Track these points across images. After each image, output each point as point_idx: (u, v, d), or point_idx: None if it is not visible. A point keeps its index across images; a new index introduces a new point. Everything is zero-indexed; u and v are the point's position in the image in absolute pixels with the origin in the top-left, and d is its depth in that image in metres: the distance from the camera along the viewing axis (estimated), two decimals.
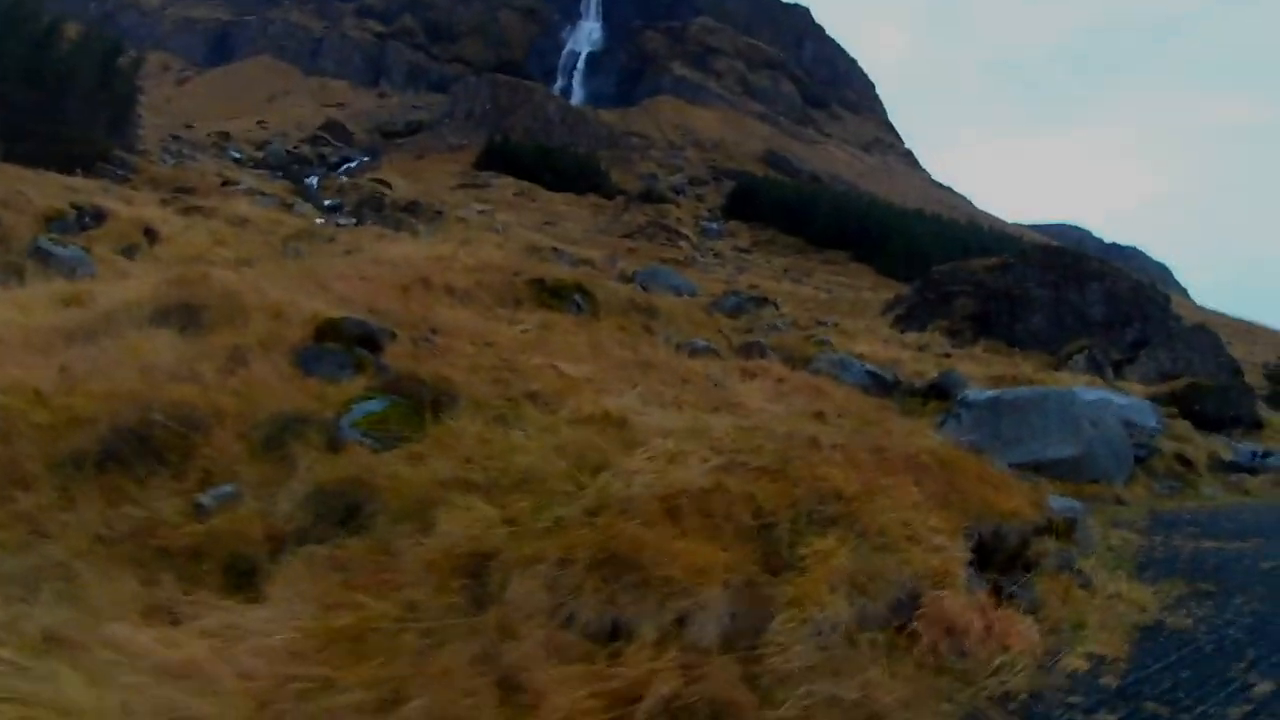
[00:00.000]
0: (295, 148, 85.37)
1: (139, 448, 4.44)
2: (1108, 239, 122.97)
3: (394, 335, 5.44)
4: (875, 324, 32.30)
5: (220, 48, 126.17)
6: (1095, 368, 26.25)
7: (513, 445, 3.84)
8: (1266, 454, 15.88)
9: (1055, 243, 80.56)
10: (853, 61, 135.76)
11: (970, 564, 3.75)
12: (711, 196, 79.86)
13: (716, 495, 3.15)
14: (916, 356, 13.54)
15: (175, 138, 75.09)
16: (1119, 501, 7.90)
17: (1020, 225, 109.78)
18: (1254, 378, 38.63)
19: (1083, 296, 27.62)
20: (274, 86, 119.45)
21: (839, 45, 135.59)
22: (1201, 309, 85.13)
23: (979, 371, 12.11)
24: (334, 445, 4.09)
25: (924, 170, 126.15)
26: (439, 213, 48.17)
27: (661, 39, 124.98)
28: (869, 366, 10.50)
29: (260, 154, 74.70)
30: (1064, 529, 4.91)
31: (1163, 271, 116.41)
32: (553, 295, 8.46)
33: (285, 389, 4.83)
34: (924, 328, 29.37)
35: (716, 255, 58.71)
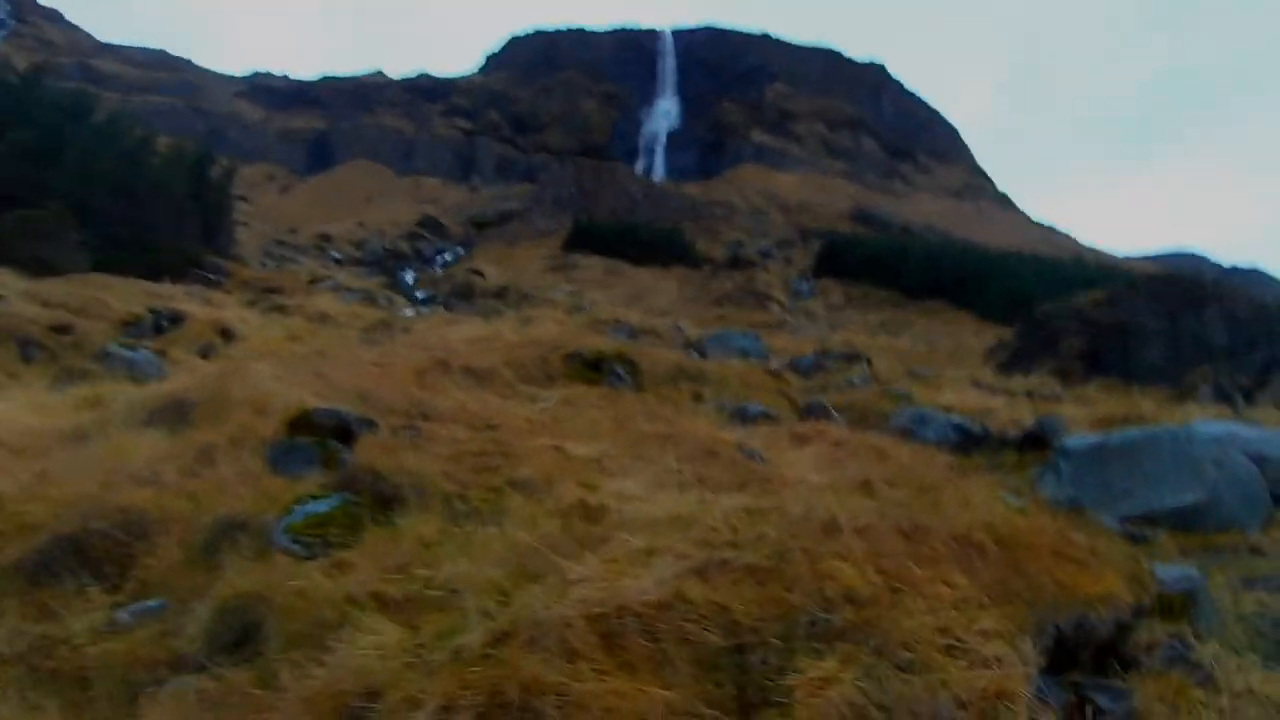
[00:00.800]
0: (392, 244, 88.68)
1: (75, 558, 4.06)
2: (1227, 263, 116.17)
3: (373, 424, 4.89)
4: (978, 371, 30.67)
5: (319, 155, 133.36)
6: (1222, 397, 24.09)
7: (455, 549, 3.17)
8: None
9: (1168, 271, 76.59)
10: (933, 111, 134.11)
11: (1044, 671, 2.84)
12: (800, 258, 78.96)
13: (675, 609, 2.37)
14: (1011, 403, 12.27)
15: (280, 242, 78.95)
16: (1255, 551, 6.63)
17: (1130, 258, 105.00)
18: None
19: (1200, 322, 25.53)
20: (371, 188, 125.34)
21: (917, 96, 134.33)
22: None
23: (1084, 414, 10.81)
24: (262, 553, 3.51)
25: (1021, 211, 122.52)
26: (527, 296, 48.68)
27: (738, 109, 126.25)
28: (955, 419, 9.43)
29: (359, 253, 77.65)
30: (1179, 605, 3.89)
31: None
32: (591, 368, 7.85)
33: (241, 489, 4.30)
34: (1029, 371, 27.67)
35: (809, 315, 57.55)
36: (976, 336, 46.79)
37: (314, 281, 30.75)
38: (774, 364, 17.36)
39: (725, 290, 63.64)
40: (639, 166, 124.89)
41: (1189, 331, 25.60)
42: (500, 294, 48.45)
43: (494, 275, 65.84)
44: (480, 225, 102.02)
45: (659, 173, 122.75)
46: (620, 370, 7.97)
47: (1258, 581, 5.77)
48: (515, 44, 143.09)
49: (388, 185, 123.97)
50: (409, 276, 64.32)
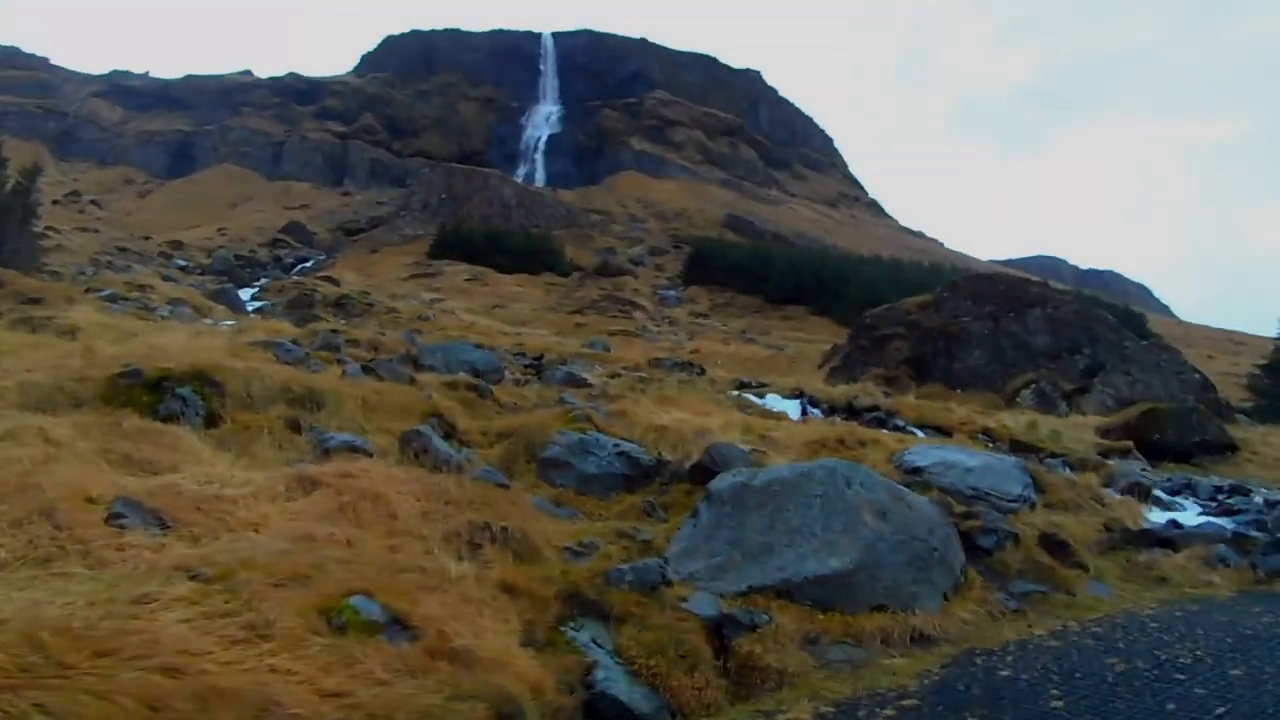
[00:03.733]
0: (252, 252, 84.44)
1: None
2: (1084, 266, 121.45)
3: None
4: (808, 379, 29.97)
5: (182, 159, 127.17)
6: (1044, 402, 23.90)
7: None
8: (1234, 496, 12.93)
9: (1030, 276, 78.91)
10: (809, 119, 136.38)
11: None
12: (671, 265, 78.43)
13: None
14: (763, 421, 10.99)
15: (121, 249, 74.06)
16: (916, 640, 5.31)
17: (994, 262, 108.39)
18: (1235, 391, 36.17)
19: (1024, 326, 25.37)
20: (237, 193, 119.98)
21: (794, 105, 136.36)
22: (1185, 324, 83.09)
23: (806, 434, 9.60)
24: None
25: (892, 218, 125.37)
26: (370, 305, 46.16)
27: (618, 116, 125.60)
28: (626, 447, 8.05)
29: (209, 260, 73.48)
30: None
31: (1141, 291, 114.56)
32: (151, 392, 6.22)
33: None
34: (857, 378, 27.06)
35: (672, 323, 56.68)
36: (831, 341, 46.64)
37: (89, 290, 27.95)
38: (509, 376, 15.78)
39: (592, 298, 62.31)
40: (519, 172, 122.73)
41: (1012, 335, 25.41)
42: (340, 303, 45.77)
43: (352, 283, 62.83)
44: (350, 232, 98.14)
45: (539, 179, 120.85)
46: (185, 396, 6.34)
47: (884, 702, 4.40)
48: (391, 45, 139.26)
49: (254, 190, 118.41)
50: (258, 285, 60.70)
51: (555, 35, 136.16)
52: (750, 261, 65.10)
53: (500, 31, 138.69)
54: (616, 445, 8.03)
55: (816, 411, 22.41)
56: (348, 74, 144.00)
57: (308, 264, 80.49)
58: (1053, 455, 16.32)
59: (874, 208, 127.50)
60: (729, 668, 4.94)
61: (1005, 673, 4.64)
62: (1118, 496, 10.16)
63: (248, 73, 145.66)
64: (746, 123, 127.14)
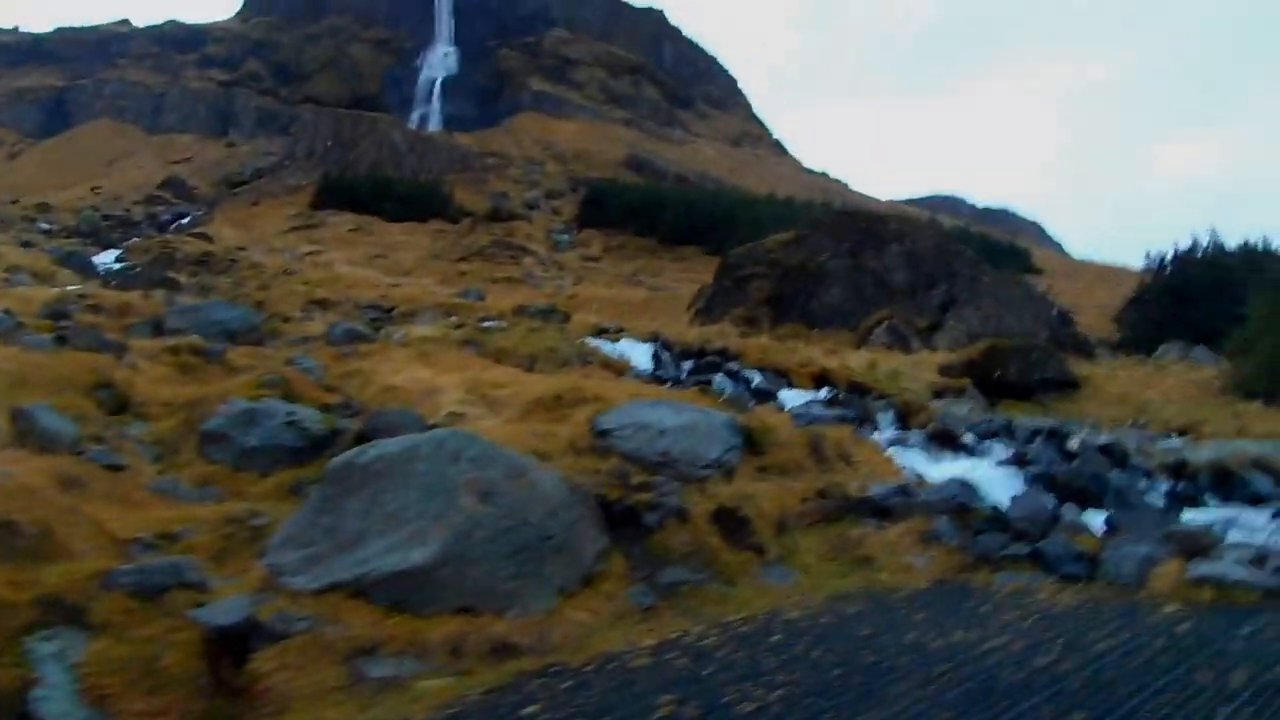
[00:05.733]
0: (126, 210, 79.84)
1: None
2: (981, 204, 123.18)
3: None
4: (676, 321, 29.12)
5: (56, 116, 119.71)
6: (898, 339, 23.44)
7: None
8: (1051, 439, 12.08)
9: (928, 215, 79.16)
10: (713, 59, 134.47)
11: None
12: (568, 209, 76.60)
13: None
14: (495, 378, 9.88)
15: None
16: (496, 650, 4.27)
17: (894, 201, 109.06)
18: (1104, 324, 36.58)
19: (882, 261, 24.79)
20: (115, 149, 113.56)
21: (697, 44, 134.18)
22: (1074, 260, 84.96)
23: (537, 390, 8.51)
24: None
25: (795, 159, 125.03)
26: (233, 261, 43.66)
27: (517, 56, 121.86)
28: (300, 416, 6.96)
29: (75, 221, 69.06)
30: None
31: (1034, 228, 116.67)
32: None
33: None
34: (720, 319, 26.28)
35: (561, 268, 55.30)
36: None
37: None
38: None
39: (481, 245, 60.41)
40: (414, 116, 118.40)
41: (871, 271, 24.83)
42: (200, 261, 43.19)
43: (228, 238, 59.67)
44: (234, 185, 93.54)
45: (435, 122, 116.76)
46: None
47: None
48: None
49: (134, 145, 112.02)
50: (123, 247, 57.12)
51: None
52: (644, 203, 63.84)
53: None
54: (290, 414, 6.89)
55: (667, 355, 21.64)
56: (231, 19, 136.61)
57: (184, 220, 76.36)
58: (882, 397, 15.71)
59: (778, 147, 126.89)
60: (225, 689, 3.97)
61: (532, 709, 3.67)
62: (886, 450, 9.35)
63: (125, 22, 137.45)
64: (651, 62, 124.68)
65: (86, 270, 42.10)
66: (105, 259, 48.46)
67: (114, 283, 34.83)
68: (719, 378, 15.50)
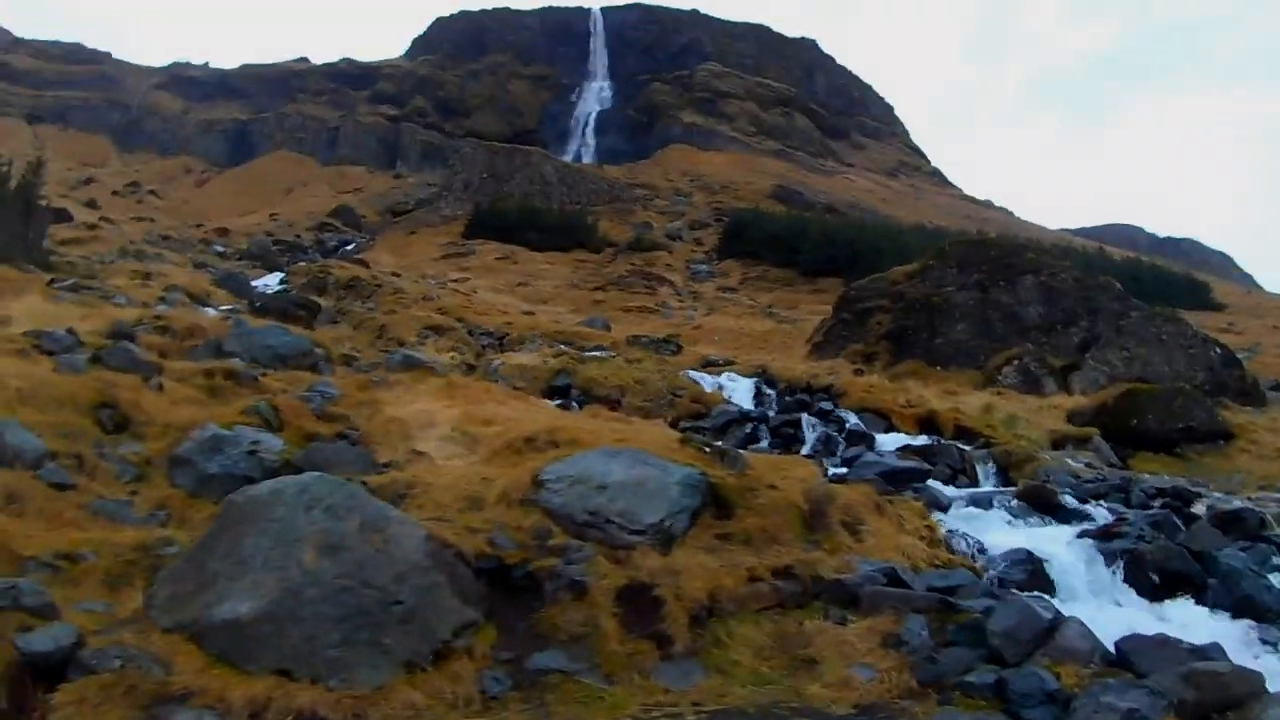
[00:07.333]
0: (297, 236, 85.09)
1: None
2: (1162, 234, 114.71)
3: None
4: (793, 355, 27.92)
5: (240, 147, 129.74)
6: (1029, 381, 21.56)
7: None
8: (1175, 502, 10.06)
9: (1102, 245, 74.08)
10: (867, 87, 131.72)
11: None
12: (711, 239, 76.24)
13: None
14: (490, 414, 9.15)
15: (165, 238, 75.16)
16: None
17: (1065, 230, 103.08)
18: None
19: (1015, 295, 22.95)
20: (292, 178, 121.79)
21: (851, 73, 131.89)
22: (1263, 294, 77.59)
23: (523, 428, 7.71)
24: None
25: (956, 188, 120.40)
26: (379, 286, 45.43)
27: (668, 90, 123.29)
28: (266, 442, 6.62)
29: (247, 246, 74.14)
30: None
31: (1223, 260, 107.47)
32: None
33: None
34: (837, 354, 25.00)
35: (696, 298, 54.83)
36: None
37: (53, 282, 27.69)
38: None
39: (618, 274, 60.81)
40: (570, 149, 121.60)
41: (1001, 305, 23.03)
42: (349, 285, 45.14)
43: (385, 264, 62.55)
44: (399, 214, 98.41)
45: (590, 155, 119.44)
46: None
47: None
48: (440, 26, 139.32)
49: (309, 175, 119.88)
50: (283, 270, 60.79)
51: (605, 10, 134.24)
52: (785, 232, 62.70)
53: (550, 9, 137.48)
54: (254, 443, 6.60)
55: (771, 392, 20.69)
56: (399, 58, 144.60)
57: (348, 246, 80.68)
58: (986, 445, 14.24)
59: (936, 176, 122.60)
60: (20, 717, 3.63)
61: None
62: (945, 513, 8.05)
63: (303, 60, 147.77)
64: (802, 92, 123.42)
65: (242, 291, 44.72)
66: (269, 281, 51.56)
67: (258, 304, 36.78)
68: (805, 418, 14.39)
